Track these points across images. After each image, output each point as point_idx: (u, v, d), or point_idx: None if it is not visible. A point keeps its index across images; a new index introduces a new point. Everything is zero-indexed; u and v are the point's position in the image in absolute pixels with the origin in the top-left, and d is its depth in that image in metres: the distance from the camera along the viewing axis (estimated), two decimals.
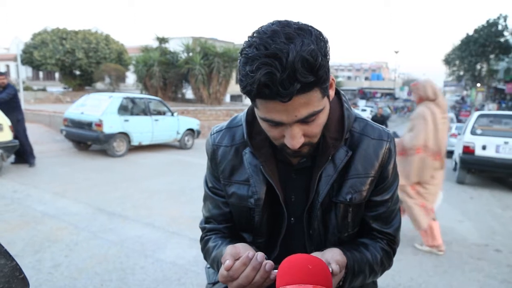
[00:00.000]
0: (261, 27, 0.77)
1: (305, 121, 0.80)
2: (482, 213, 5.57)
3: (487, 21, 35.73)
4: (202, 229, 1.10)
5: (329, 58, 0.78)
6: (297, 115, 0.77)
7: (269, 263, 0.76)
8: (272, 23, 0.76)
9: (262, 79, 0.71)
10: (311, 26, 0.77)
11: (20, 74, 13.07)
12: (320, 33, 0.77)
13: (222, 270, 0.77)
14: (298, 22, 0.77)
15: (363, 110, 32.82)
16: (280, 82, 0.70)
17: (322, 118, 0.84)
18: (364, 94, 64.50)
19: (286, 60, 0.69)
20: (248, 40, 0.75)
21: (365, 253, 0.94)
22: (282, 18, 0.79)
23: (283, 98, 0.72)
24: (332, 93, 0.88)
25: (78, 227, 4.08)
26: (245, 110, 1.01)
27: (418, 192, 3.69)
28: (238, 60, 0.77)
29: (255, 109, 0.83)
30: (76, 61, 22.46)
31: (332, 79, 0.86)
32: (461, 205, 6.07)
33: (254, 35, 0.75)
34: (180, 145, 10.43)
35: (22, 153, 6.89)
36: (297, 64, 0.70)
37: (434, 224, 3.78)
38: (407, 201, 3.70)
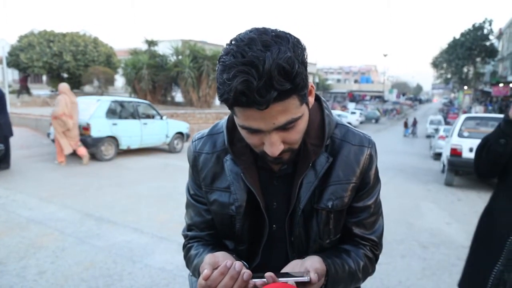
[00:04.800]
0: (238, 34, 0.77)
1: (284, 128, 0.79)
2: (470, 215, 5.63)
3: (473, 25, 36.34)
4: (185, 236, 1.09)
5: (306, 66, 0.77)
6: (275, 123, 0.77)
7: (247, 273, 0.75)
8: (250, 31, 0.76)
9: (238, 87, 0.70)
10: (289, 34, 0.77)
11: (5, 77, 12.87)
12: (298, 40, 0.77)
13: (200, 280, 0.76)
14: (276, 30, 0.77)
15: (353, 113, 33.00)
16: (256, 90, 0.70)
17: (302, 125, 0.84)
18: (353, 97, 64.96)
19: (263, 68, 0.69)
20: (226, 48, 0.75)
21: (347, 260, 0.93)
22: (265, 24, 0.79)
23: (260, 106, 0.72)
24: (311, 99, 0.88)
25: (65, 233, 4.02)
26: (226, 117, 1.00)
27: (65, 135, 7.54)
28: (217, 68, 0.76)
29: (234, 117, 0.83)
30: (63, 64, 22.25)
31: (312, 86, 0.85)
32: (449, 207, 6.14)
33: (232, 42, 0.75)
34: (170, 149, 10.37)
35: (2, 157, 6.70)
36: (273, 71, 0.69)
37: (81, 149, 7.83)
38: (58, 139, 7.57)
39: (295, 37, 0.77)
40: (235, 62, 0.71)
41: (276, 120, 0.76)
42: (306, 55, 0.77)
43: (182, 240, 1.12)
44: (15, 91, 22.02)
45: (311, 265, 0.81)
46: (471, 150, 7.28)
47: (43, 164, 7.76)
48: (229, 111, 0.84)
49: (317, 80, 52.83)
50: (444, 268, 3.60)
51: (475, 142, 7.36)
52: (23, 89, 22.55)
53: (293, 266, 0.84)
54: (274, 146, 0.81)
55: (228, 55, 0.73)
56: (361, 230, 0.99)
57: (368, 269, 0.99)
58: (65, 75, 23.62)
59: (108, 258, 3.46)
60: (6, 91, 12.83)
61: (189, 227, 1.08)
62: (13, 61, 22.00)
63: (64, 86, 7.66)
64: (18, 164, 7.29)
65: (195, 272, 0.98)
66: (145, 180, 6.84)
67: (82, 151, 7.85)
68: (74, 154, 8.99)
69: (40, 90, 26.17)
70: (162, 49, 21.37)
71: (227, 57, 0.73)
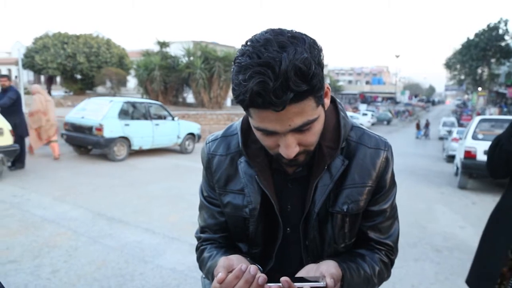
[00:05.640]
0: (254, 35, 0.76)
1: (299, 130, 0.78)
2: (485, 218, 5.48)
3: (488, 25, 35.77)
4: (198, 238, 1.08)
5: (323, 67, 0.76)
6: (291, 124, 0.76)
7: (262, 276, 0.74)
8: (266, 32, 0.76)
9: (254, 88, 0.70)
10: (305, 34, 0.76)
11: (21, 78, 13.08)
12: (314, 41, 0.76)
13: (215, 283, 0.76)
14: (291, 30, 0.76)
15: (364, 114, 32.78)
16: (273, 91, 0.69)
17: (317, 127, 0.83)
18: (365, 98, 64.52)
19: (279, 69, 0.68)
20: (242, 49, 0.75)
21: (362, 264, 0.92)
22: (277, 25, 0.78)
23: (276, 107, 0.71)
24: (327, 101, 0.87)
25: (78, 232, 4.07)
26: (241, 119, 0.99)
27: (38, 133, 8.03)
28: (232, 69, 0.76)
29: (249, 118, 0.82)
30: (77, 65, 22.55)
31: (327, 88, 0.84)
32: (463, 211, 6.04)
33: (248, 43, 0.75)
34: (181, 150, 10.42)
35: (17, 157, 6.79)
36: (290, 72, 0.68)
37: (53, 145, 8.27)
38: (29, 134, 7.76)
39: (311, 38, 0.76)
40: (251, 63, 0.70)
41: (292, 121, 0.75)
42: (323, 56, 0.76)
43: (193, 241, 1.12)
44: (30, 92, 22.38)
45: (326, 270, 0.80)
46: (485, 152, 7.15)
47: (57, 163, 7.87)
48: (240, 112, 0.83)
49: (328, 81, 52.65)
50: (458, 273, 3.54)
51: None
52: (49, 89, 23.60)
53: (308, 271, 0.83)
54: (289, 148, 0.79)
55: (244, 56, 0.72)
56: (377, 234, 0.97)
57: (384, 274, 0.97)
58: (79, 76, 23.96)
59: (120, 258, 3.49)
60: (21, 92, 13.05)
61: (202, 229, 1.08)
62: (28, 62, 22.40)
63: (36, 87, 8.34)
64: (32, 164, 7.41)
65: (209, 274, 0.98)
66: (157, 180, 6.88)
67: (54, 146, 8.28)
68: (85, 155, 9.11)
69: (55, 91, 26.57)
70: (174, 50, 21.53)
71: (242, 58, 0.72)
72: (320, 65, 0.75)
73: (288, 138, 0.79)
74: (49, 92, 23.31)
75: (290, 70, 0.68)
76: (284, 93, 0.69)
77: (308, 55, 0.71)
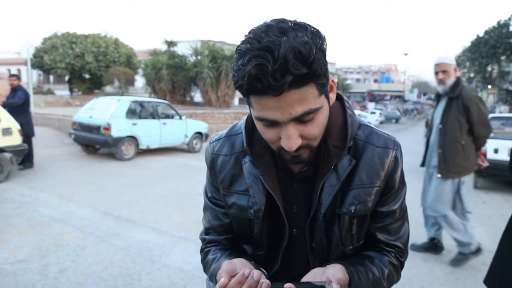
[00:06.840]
0: (257, 25, 0.75)
1: (301, 120, 0.75)
2: (495, 218, 5.46)
3: (498, 22, 35.30)
4: (202, 240, 1.07)
5: (325, 54, 0.74)
6: (292, 112, 0.73)
7: (265, 282, 0.71)
8: (269, 20, 0.75)
9: (252, 71, 0.68)
10: (308, 24, 0.74)
11: (30, 78, 13.20)
12: (317, 30, 0.74)
13: None
14: (294, 20, 0.74)
15: (372, 113, 32.58)
16: (271, 74, 0.67)
17: (321, 119, 0.79)
18: (373, 97, 64.19)
19: (278, 52, 0.67)
20: (244, 38, 0.74)
21: (370, 267, 0.89)
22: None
23: (274, 91, 0.69)
24: (332, 96, 0.84)
25: (85, 231, 4.08)
26: (245, 118, 0.97)
27: None
28: (234, 59, 0.74)
29: (251, 110, 0.80)
30: (85, 65, 22.76)
31: (332, 81, 0.82)
32: (473, 210, 5.94)
33: (249, 32, 0.74)
34: (189, 149, 10.43)
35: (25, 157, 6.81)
36: (289, 55, 0.67)
37: None
38: None
39: (314, 28, 0.74)
40: (251, 48, 0.69)
41: (293, 109, 0.73)
42: (326, 45, 0.74)
43: (200, 240, 1.10)
44: (39, 92, 22.64)
45: (333, 275, 0.77)
46: (496, 151, 7.05)
47: (65, 163, 7.92)
48: (248, 111, 0.81)
49: (336, 79, 52.54)
50: (469, 273, 3.49)
51: (500, 143, 7.12)
52: (71, 89, 24.98)
53: (314, 275, 0.80)
54: (291, 139, 0.76)
55: (245, 43, 0.71)
56: (386, 236, 0.94)
57: (393, 277, 0.95)
58: (87, 76, 24.17)
59: (127, 257, 3.49)
60: (30, 92, 13.17)
61: (206, 231, 1.06)
62: (37, 62, 22.64)
63: None
64: (41, 163, 7.47)
65: (213, 277, 0.96)
66: (164, 179, 6.89)
67: None
68: (93, 154, 9.17)
69: (63, 91, 26.82)
70: (181, 49, 21.59)
71: (243, 45, 0.71)
72: (322, 51, 0.72)
73: (289, 129, 0.76)
74: (71, 91, 24.27)
75: (289, 52, 0.67)
76: (283, 76, 0.67)
77: (309, 39, 0.69)
